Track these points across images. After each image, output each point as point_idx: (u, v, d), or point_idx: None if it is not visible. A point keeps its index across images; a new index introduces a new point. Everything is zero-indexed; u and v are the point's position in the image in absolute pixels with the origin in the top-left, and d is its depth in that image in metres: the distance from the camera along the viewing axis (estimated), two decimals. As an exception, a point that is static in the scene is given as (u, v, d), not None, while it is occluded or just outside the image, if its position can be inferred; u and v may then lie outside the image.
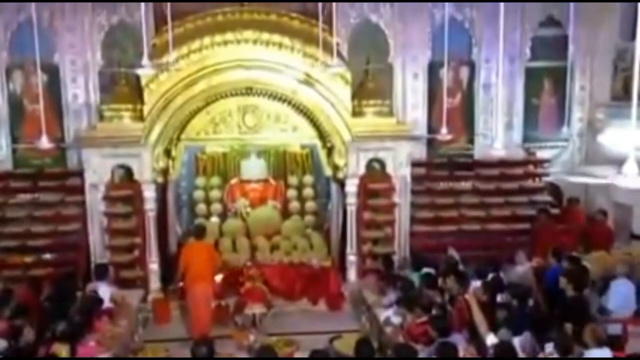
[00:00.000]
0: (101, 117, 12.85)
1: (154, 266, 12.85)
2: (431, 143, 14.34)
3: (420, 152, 14.25)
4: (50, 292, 10.30)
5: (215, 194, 14.86)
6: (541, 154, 14.81)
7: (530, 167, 14.66)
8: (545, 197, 14.24)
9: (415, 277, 10.72)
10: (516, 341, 7.84)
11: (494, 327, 8.43)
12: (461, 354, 7.57)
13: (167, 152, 12.98)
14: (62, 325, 8.63)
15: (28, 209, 13.21)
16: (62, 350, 7.92)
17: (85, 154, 12.58)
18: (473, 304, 8.74)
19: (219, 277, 11.96)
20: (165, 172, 13.13)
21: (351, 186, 13.00)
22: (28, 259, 12.69)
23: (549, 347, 7.48)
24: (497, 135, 12.85)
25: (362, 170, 12.96)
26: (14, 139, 13.68)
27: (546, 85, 14.76)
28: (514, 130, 14.74)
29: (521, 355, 7.56)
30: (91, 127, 13.21)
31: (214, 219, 14.63)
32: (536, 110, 14.88)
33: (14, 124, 13.66)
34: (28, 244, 12.88)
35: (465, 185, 14.20)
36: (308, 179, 15.02)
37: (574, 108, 14.76)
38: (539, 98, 14.84)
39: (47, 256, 12.89)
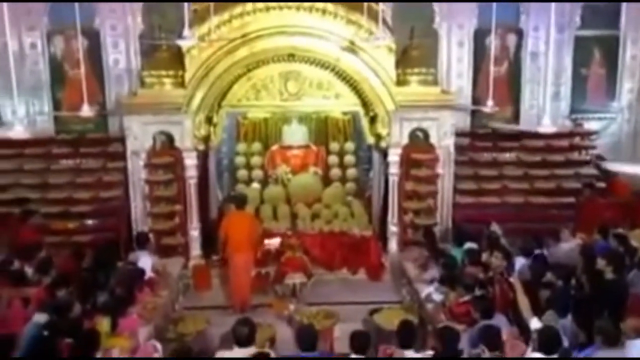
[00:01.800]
0: (142, 84, 12.78)
1: (194, 233, 12.85)
2: (475, 113, 14.05)
3: (464, 121, 14.01)
4: (91, 261, 10.38)
5: (256, 160, 14.76)
6: (588, 126, 14.50)
7: (577, 139, 14.28)
8: (592, 170, 13.93)
9: (457, 253, 10.57)
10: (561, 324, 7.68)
11: (537, 307, 8.27)
12: (504, 337, 7.43)
13: (208, 119, 12.89)
14: (103, 297, 8.72)
15: (70, 175, 13.31)
16: (104, 322, 7.95)
17: (126, 120, 12.53)
18: (517, 286, 8.58)
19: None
20: (206, 139, 13.05)
21: (394, 156, 12.80)
22: (71, 225, 12.81)
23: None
24: (544, 106, 12.58)
25: (405, 139, 12.74)
26: (56, 104, 13.75)
27: (596, 54, 14.37)
28: (561, 101, 14.41)
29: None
30: (132, 93, 13.15)
31: (255, 185, 14.58)
32: (585, 80, 14.50)
33: (55, 88, 13.75)
34: (70, 210, 12.99)
35: (510, 156, 13.95)
36: (349, 145, 14.81)
37: (623, 79, 14.42)
38: (588, 68, 14.44)
39: (89, 222, 13.01)
